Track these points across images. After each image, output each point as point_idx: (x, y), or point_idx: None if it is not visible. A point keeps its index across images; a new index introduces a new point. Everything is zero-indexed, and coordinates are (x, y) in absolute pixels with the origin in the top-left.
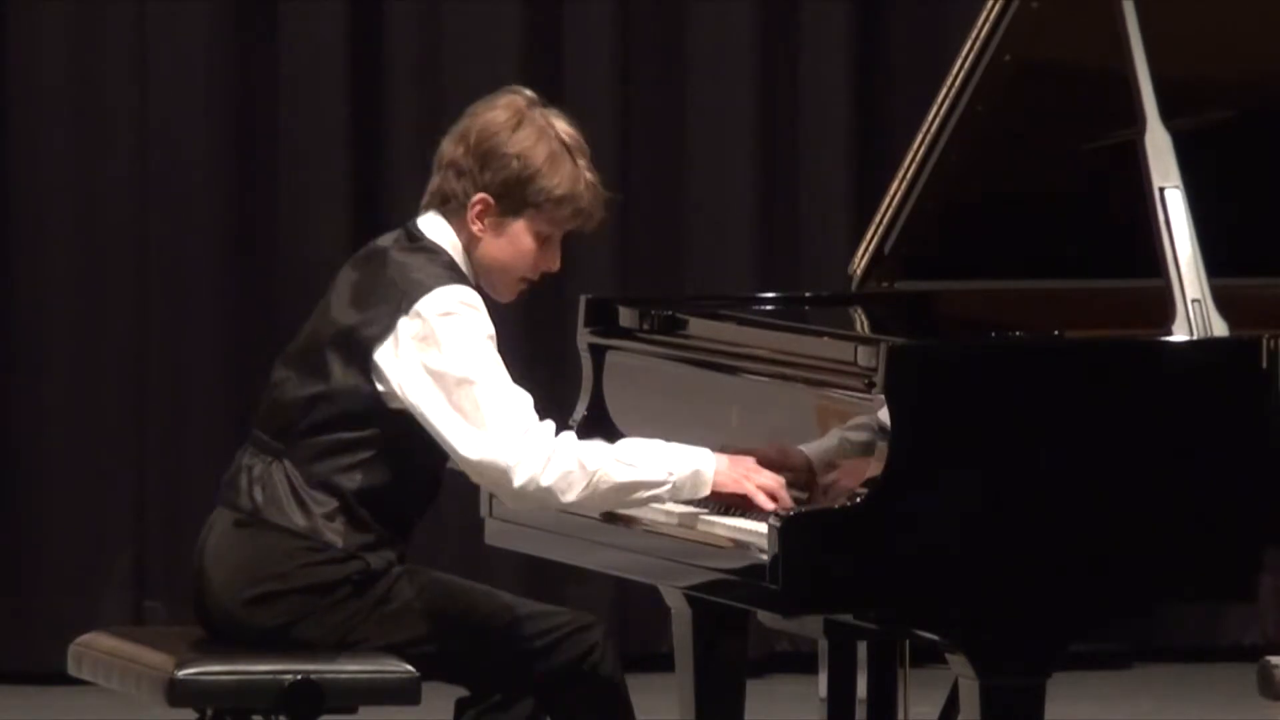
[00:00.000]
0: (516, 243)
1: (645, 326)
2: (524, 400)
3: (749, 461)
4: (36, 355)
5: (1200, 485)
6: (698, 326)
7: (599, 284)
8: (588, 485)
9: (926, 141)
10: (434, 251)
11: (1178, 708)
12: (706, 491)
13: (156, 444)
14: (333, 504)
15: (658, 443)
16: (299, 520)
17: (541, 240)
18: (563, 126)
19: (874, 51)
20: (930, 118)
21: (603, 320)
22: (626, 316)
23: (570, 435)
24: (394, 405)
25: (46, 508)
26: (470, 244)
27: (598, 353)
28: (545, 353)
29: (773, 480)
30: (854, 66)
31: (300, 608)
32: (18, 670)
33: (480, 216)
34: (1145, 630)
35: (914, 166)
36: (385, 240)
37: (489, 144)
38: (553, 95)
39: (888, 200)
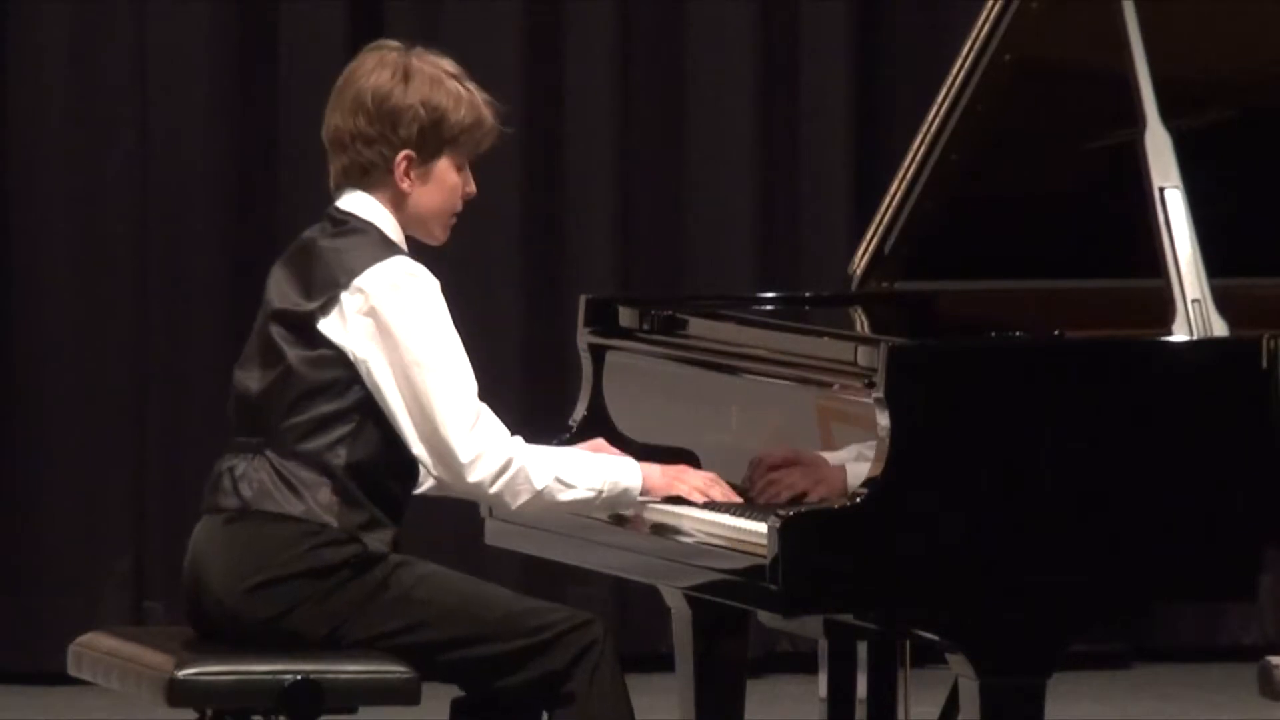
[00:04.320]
0: (443, 182)
1: (645, 326)
2: (470, 385)
3: (677, 467)
4: (36, 355)
5: (1200, 485)
6: (698, 326)
7: (599, 284)
8: (531, 500)
9: (926, 141)
10: (362, 230)
11: (1178, 708)
12: (632, 504)
13: (156, 444)
14: (324, 484)
15: (589, 457)
16: (293, 504)
17: (459, 171)
18: (444, 62)
19: (874, 51)
20: (930, 118)
21: (603, 320)
22: (626, 316)
23: (518, 442)
24: (360, 367)
25: (46, 508)
26: (398, 203)
27: (598, 353)
28: (545, 353)
29: (703, 479)
30: (854, 66)
31: (301, 593)
32: (18, 670)
33: (407, 173)
34: (1145, 630)
35: (914, 166)
36: (311, 232)
37: (389, 104)
38: (553, 95)
39: (888, 200)
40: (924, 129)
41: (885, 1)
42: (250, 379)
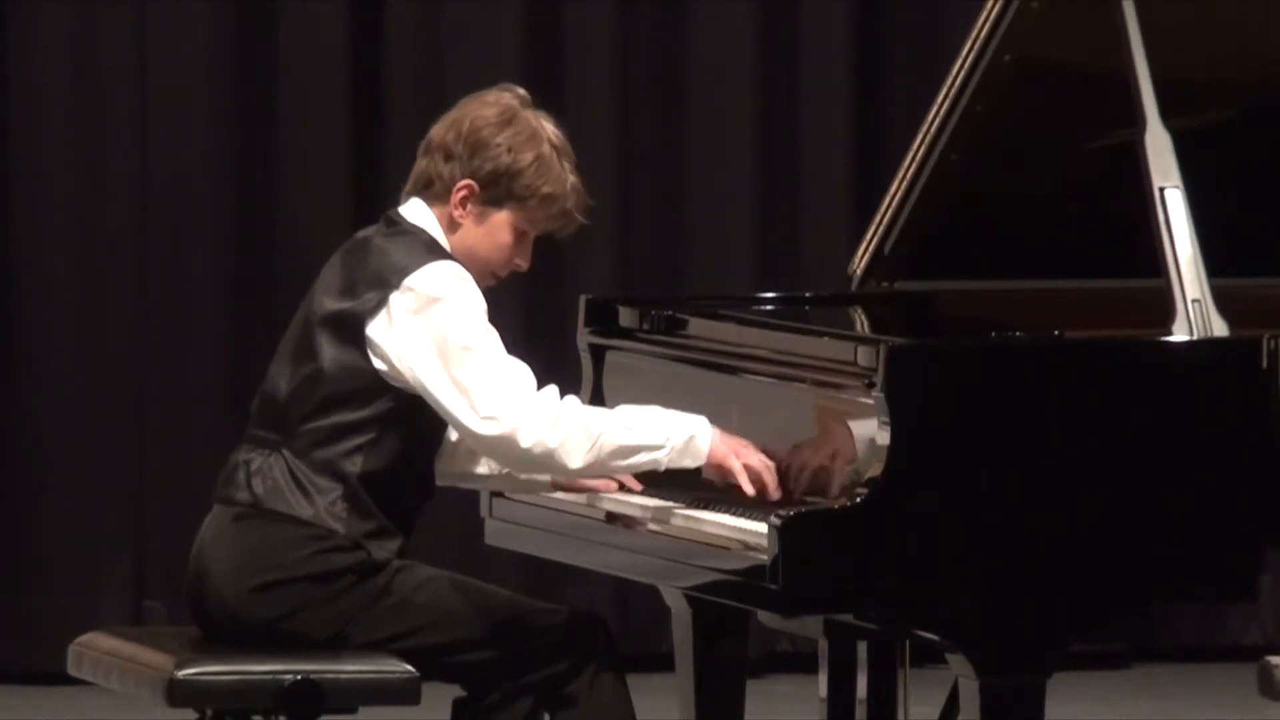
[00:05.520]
0: (495, 234)
1: (645, 326)
2: (522, 368)
3: (739, 440)
4: (37, 356)
5: (1200, 485)
6: (698, 326)
7: (599, 284)
8: (592, 448)
9: (926, 141)
10: (415, 234)
11: (1178, 708)
12: (701, 460)
13: (156, 444)
14: (336, 490)
15: (656, 409)
16: (303, 507)
17: (518, 236)
18: (552, 129)
19: (874, 51)
20: (930, 118)
21: (603, 320)
22: (626, 316)
23: (573, 398)
24: (393, 383)
25: (46, 508)
26: (450, 229)
27: (598, 353)
28: (545, 353)
29: (761, 463)
30: (854, 66)
31: (303, 596)
32: (18, 670)
33: (463, 202)
34: (1145, 630)
35: (914, 166)
36: (366, 231)
37: (480, 135)
38: (553, 95)
39: (888, 200)
40: (924, 129)
41: (885, 1)
42: (280, 375)
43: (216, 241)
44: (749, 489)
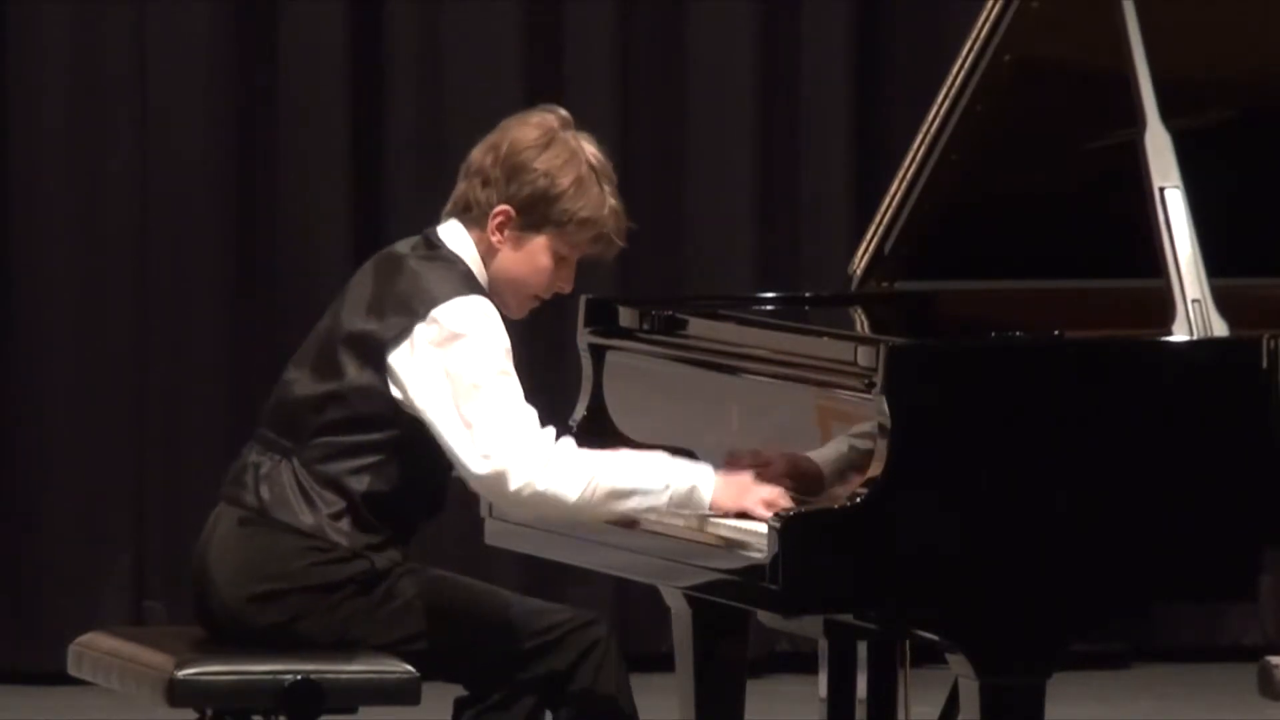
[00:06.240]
0: (534, 259)
1: (645, 326)
2: (529, 414)
3: (745, 477)
4: (37, 356)
5: (1200, 485)
6: (698, 326)
7: (599, 284)
8: (585, 490)
9: (926, 141)
10: (451, 261)
11: (1178, 708)
12: (702, 510)
13: (156, 444)
14: (340, 504)
15: (659, 454)
16: (306, 519)
17: (558, 260)
18: (592, 151)
19: (874, 51)
20: (930, 118)
21: (603, 320)
22: (626, 316)
23: (569, 441)
24: (409, 412)
25: (46, 508)
26: (488, 254)
27: (598, 353)
28: (545, 353)
29: (771, 492)
30: (854, 66)
31: (304, 606)
32: (18, 670)
33: (500, 228)
34: (1145, 630)
35: (914, 166)
36: (403, 246)
37: (518, 158)
38: (553, 95)
39: (888, 200)
40: (924, 129)
41: (885, 1)
42: (298, 382)
43: (216, 241)
44: (768, 517)
